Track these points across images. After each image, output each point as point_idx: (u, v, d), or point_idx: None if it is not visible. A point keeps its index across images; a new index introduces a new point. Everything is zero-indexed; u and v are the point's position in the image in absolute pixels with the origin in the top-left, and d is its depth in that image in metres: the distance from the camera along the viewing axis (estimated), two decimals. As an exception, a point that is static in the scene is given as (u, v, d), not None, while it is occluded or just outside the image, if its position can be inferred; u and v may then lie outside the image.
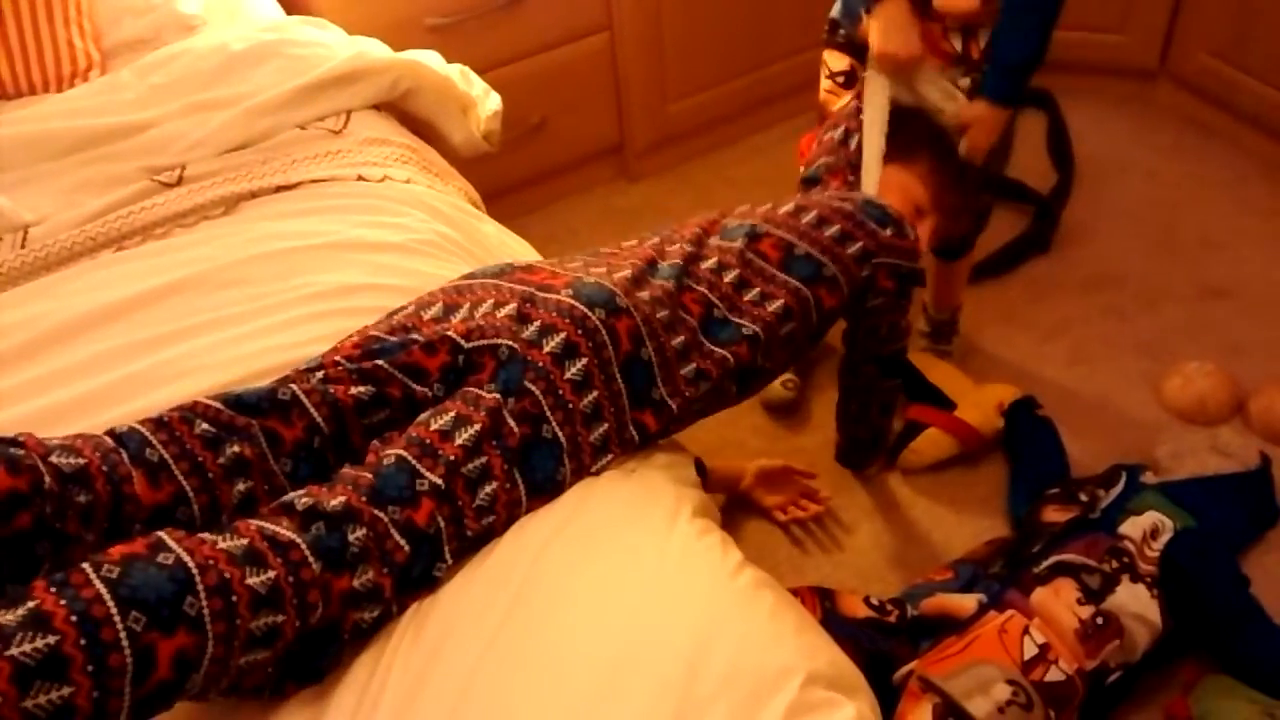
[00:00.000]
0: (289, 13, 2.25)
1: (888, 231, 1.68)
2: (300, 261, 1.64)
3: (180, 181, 1.78)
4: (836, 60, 2.06)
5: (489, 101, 2.13)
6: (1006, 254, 2.58)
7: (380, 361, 1.36)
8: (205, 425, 1.25)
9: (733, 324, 1.52)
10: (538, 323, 1.37)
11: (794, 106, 2.89)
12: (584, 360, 1.36)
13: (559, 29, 2.58)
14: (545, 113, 2.65)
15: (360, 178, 1.81)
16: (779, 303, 1.56)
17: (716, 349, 1.50)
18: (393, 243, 1.69)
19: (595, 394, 1.37)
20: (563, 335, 1.36)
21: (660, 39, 2.70)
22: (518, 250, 1.84)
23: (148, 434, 1.23)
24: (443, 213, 1.84)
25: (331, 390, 1.32)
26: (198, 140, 1.81)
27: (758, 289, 1.56)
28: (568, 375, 1.35)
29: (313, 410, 1.31)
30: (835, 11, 2.05)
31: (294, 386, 1.32)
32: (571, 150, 2.80)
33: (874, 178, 1.86)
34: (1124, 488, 1.93)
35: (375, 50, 2.00)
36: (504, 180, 2.52)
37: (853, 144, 1.91)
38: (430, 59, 2.07)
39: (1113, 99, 3.00)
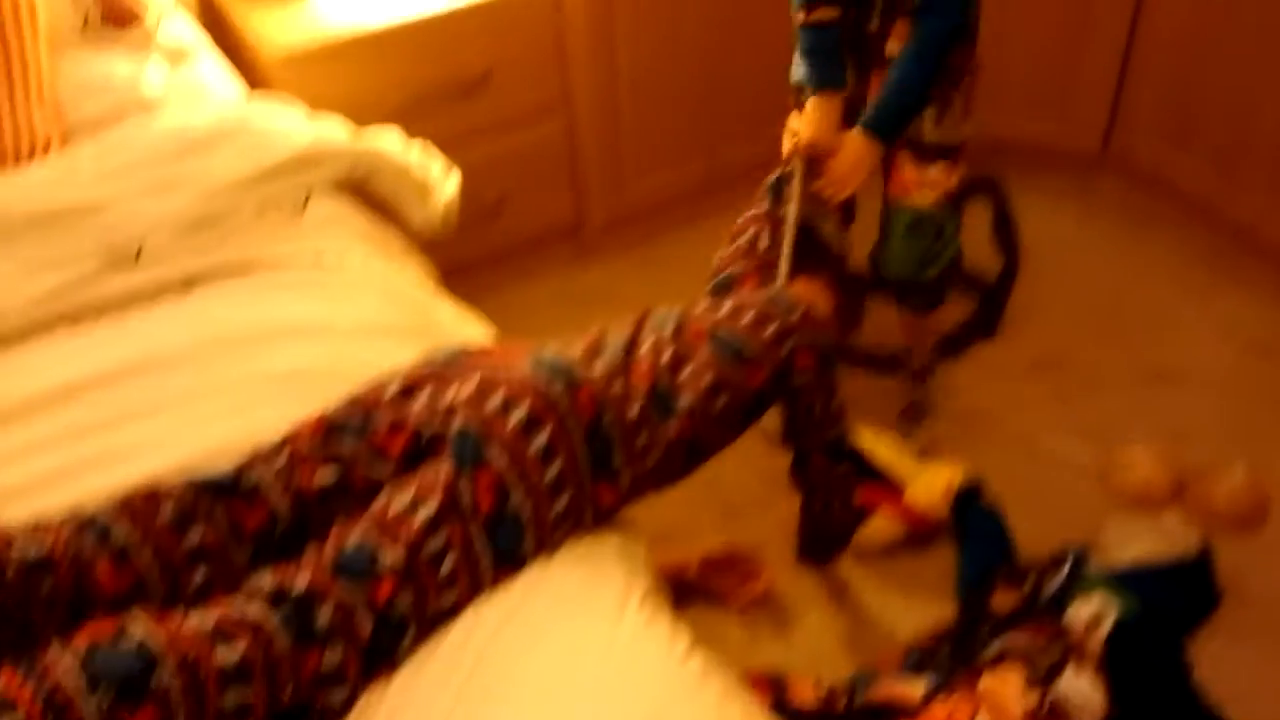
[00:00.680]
0: (251, 88, 2.28)
1: (797, 314, 1.75)
2: (256, 343, 1.65)
3: (137, 261, 1.78)
4: (799, 122, 2.14)
5: (448, 183, 2.15)
6: (953, 339, 2.63)
7: (344, 445, 1.38)
8: (170, 510, 1.27)
9: (674, 398, 1.57)
10: (500, 396, 1.40)
11: (752, 186, 2.92)
12: (549, 430, 1.39)
13: (518, 109, 2.62)
14: (503, 192, 2.68)
15: (318, 259, 1.83)
16: (709, 378, 1.61)
17: (662, 422, 1.54)
18: (348, 326, 1.71)
19: (560, 464, 1.40)
20: (526, 406, 1.39)
21: (618, 120, 2.75)
22: (474, 331, 1.86)
23: (113, 518, 1.24)
24: (399, 294, 1.86)
25: (295, 476, 1.34)
26: (156, 220, 1.82)
27: (690, 368, 1.62)
28: (533, 447, 1.38)
29: (275, 499, 1.33)
30: (796, 76, 2.13)
31: (258, 472, 1.33)
32: (529, 229, 2.82)
33: (788, 265, 1.97)
34: (1069, 573, 1.95)
35: (335, 133, 2.02)
36: (461, 258, 2.54)
37: (761, 246, 2.00)
38: (389, 138, 2.10)
39: (1057, 185, 3.07)
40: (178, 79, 2.19)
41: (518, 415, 1.38)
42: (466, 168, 2.24)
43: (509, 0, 2.48)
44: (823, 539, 2.08)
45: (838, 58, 2.04)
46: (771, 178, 2.11)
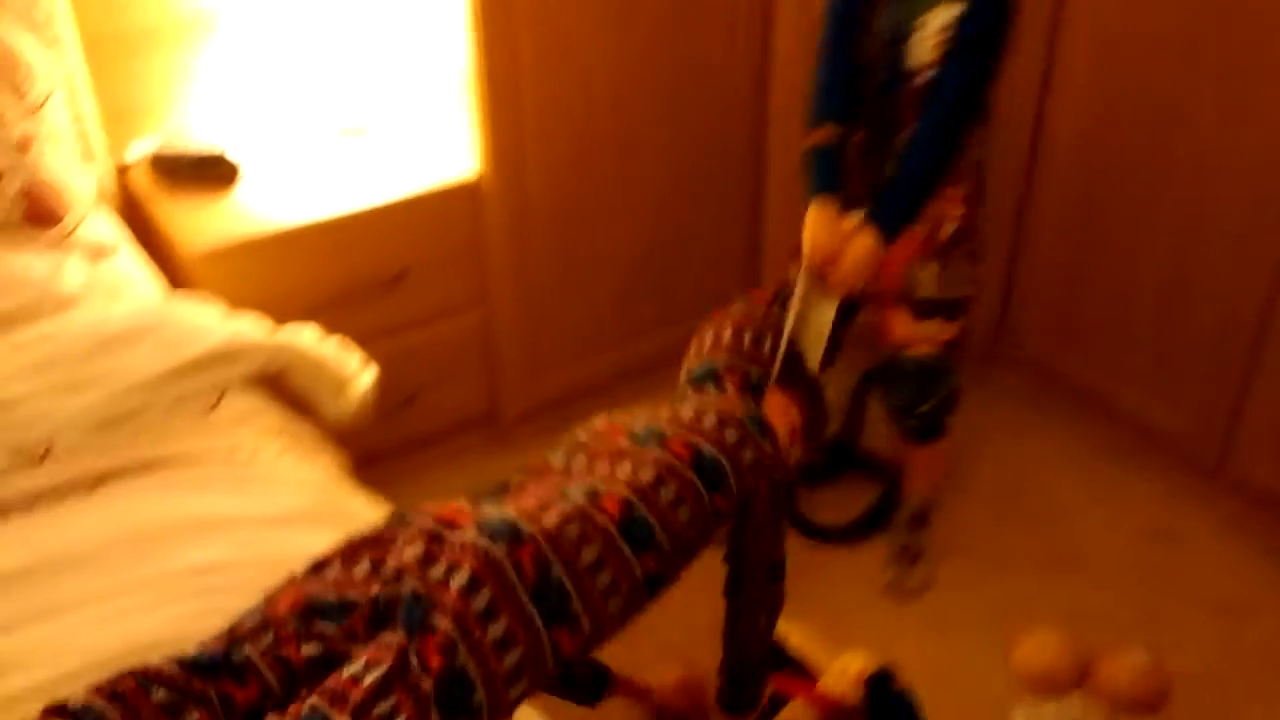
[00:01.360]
0: (173, 284, 2.31)
1: (768, 444, 1.79)
2: (166, 540, 1.65)
3: (45, 458, 1.78)
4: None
5: (364, 377, 2.18)
6: (860, 524, 2.68)
7: (326, 627, 1.41)
8: (163, 692, 1.28)
9: (650, 523, 1.58)
10: (444, 565, 1.43)
11: (671, 375, 2.96)
12: (488, 592, 1.41)
13: (435, 304, 2.68)
14: (419, 384, 2.71)
15: (231, 455, 1.84)
16: (685, 512, 1.63)
17: (630, 557, 1.55)
18: (260, 519, 1.72)
19: (504, 622, 1.41)
20: (466, 570, 1.41)
21: (534, 313, 2.82)
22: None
23: (103, 707, 1.24)
24: (312, 485, 1.87)
25: (283, 651, 1.37)
26: (66, 419, 1.81)
27: (668, 494, 1.62)
28: (474, 608, 1.39)
29: (266, 672, 1.36)
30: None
31: (246, 650, 1.36)
32: (444, 419, 2.85)
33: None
34: (980, 760, 1.97)
35: (251, 330, 2.05)
36: (375, 448, 2.56)
37: (765, 349, 2.03)
38: (306, 334, 2.13)
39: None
40: (97, 276, 2.20)
41: (459, 580, 1.40)
42: (383, 360, 2.28)
43: (427, 198, 2.56)
44: (744, 670, 2.05)
45: (837, 168, 2.16)
46: (779, 289, 2.17)
